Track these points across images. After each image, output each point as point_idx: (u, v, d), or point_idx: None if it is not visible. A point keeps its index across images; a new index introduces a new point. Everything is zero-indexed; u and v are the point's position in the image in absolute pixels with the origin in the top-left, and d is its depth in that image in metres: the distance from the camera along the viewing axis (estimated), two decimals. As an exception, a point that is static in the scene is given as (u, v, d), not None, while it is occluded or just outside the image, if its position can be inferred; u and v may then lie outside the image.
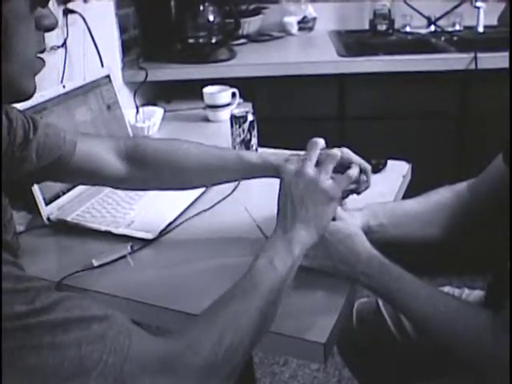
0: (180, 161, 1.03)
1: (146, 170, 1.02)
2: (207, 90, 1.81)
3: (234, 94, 1.80)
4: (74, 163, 0.96)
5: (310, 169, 0.82)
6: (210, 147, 1.06)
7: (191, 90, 1.92)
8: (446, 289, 1.18)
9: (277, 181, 0.88)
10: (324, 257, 0.89)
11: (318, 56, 2.14)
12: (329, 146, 1.34)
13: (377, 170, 1.32)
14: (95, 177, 1.01)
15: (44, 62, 0.63)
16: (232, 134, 1.41)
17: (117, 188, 1.13)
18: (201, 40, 2.11)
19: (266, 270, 0.75)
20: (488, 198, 1.00)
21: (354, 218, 0.96)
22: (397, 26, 2.41)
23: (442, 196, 1.05)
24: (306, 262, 0.84)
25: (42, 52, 0.62)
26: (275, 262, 0.76)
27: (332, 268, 0.90)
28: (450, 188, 1.06)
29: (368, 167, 0.98)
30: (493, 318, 0.78)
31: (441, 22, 2.40)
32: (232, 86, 1.81)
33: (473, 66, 1.93)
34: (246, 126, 1.38)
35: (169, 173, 1.03)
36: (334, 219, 0.92)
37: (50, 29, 0.62)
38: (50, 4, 0.61)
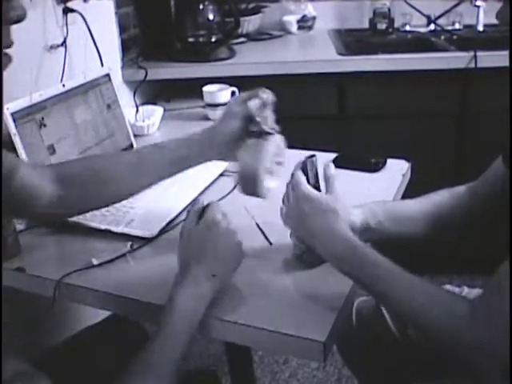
0: (107, 174, 0.98)
1: (75, 189, 0.97)
2: (207, 88, 1.81)
3: (233, 93, 1.80)
4: (13, 188, 0.89)
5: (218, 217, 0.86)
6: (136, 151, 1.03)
7: (191, 89, 1.92)
8: (446, 287, 1.18)
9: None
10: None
11: (317, 55, 2.14)
12: (329, 144, 1.35)
13: (376, 168, 1.32)
14: (29, 205, 0.94)
15: (10, 57, 0.59)
16: (232, 132, 1.41)
17: (50, 218, 1.06)
18: (200, 39, 2.11)
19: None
20: (488, 201, 1.00)
21: (352, 215, 0.95)
22: (396, 24, 2.41)
23: (442, 197, 1.05)
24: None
25: (9, 47, 0.58)
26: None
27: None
28: (449, 190, 1.06)
29: (266, 98, 1.01)
30: (473, 305, 0.75)
31: (440, 21, 2.39)
32: (232, 85, 1.80)
33: (472, 65, 1.93)
34: (245, 124, 1.38)
35: (97, 189, 0.98)
36: (320, 190, 0.91)
37: (18, 21, 0.58)
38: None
